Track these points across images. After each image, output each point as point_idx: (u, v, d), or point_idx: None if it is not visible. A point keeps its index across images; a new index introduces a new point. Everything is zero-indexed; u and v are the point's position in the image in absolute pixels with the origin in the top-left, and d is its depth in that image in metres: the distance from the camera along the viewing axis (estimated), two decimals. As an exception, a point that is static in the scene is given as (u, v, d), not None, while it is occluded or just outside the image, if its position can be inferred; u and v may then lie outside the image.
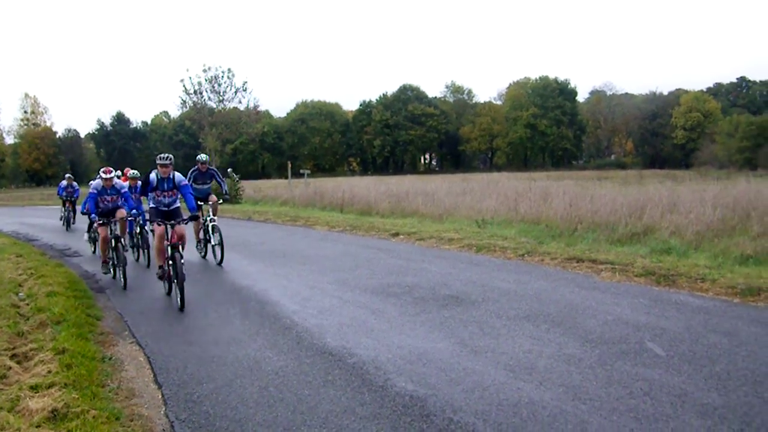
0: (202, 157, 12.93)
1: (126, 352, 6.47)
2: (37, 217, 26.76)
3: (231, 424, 4.51)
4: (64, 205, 21.01)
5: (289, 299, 8.48)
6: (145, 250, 12.20)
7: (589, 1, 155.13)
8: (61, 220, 21.38)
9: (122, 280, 9.87)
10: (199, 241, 12.62)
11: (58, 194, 22.04)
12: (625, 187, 21.54)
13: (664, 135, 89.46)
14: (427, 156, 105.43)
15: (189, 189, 9.49)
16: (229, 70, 39.69)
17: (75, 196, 21.11)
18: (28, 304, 8.26)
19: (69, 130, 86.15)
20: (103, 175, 10.74)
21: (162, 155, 9.35)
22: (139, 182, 12.00)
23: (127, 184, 12.57)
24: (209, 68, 39.13)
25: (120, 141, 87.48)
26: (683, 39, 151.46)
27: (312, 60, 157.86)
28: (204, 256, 12.40)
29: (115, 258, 10.34)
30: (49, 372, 5.42)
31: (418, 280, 9.49)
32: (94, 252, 13.77)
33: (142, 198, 11.37)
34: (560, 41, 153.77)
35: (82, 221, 20.46)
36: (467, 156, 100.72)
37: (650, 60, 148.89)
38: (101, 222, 10.33)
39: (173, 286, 8.61)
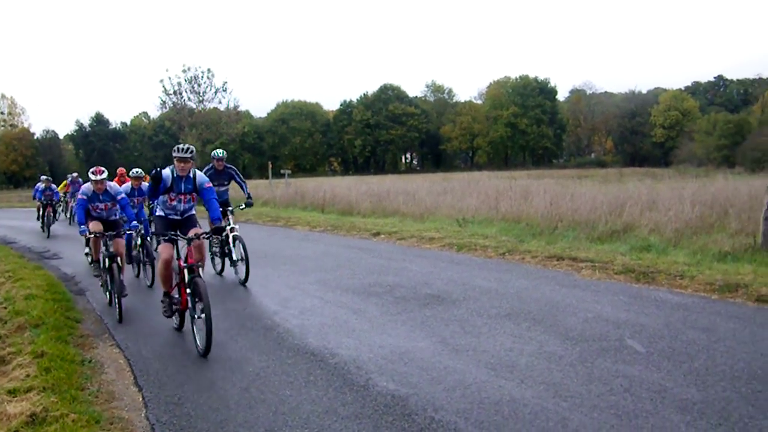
0: (219, 152, 10.58)
1: (106, 355, 6.42)
2: (15, 219, 26.33)
3: (212, 425, 4.49)
4: (44, 210, 18.81)
5: (270, 300, 8.45)
6: (147, 266, 10.12)
7: (569, 1, 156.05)
8: (38, 220, 19.56)
9: (117, 308, 7.82)
10: (214, 254, 10.53)
11: (34, 197, 20.16)
12: (605, 185, 21.77)
13: (643, 133, 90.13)
14: (408, 155, 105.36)
15: (213, 194, 7.21)
16: (208, 70, 39.52)
17: (55, 199, 19.61)
18: (6, 308, 8.14)
19: (47, 131, 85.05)
20: (93, 177, 8.58)
21: (181, 146, 6.96)
22: (144, 183, 9.94)
23: (124, 188, 10.07)
24: (189, 68, 38.90)
25: (99, 142, 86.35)
26: (662, 38, 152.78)
27: (292, 60, 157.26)
28: (220, 273, 10.47)
29: (109, 281, 8.42)
30: (28, 376, 5.36)
31: (399, 279, 9.50)
32: (90, 263, 10.48)
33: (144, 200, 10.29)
34: (540, 40, 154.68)
35: (61, 226, 20.21)
36: (448, 155, 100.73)
37: (629, 59, 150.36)
38: (94, 235, 8.66)
39: (189, 319, 6.66)
